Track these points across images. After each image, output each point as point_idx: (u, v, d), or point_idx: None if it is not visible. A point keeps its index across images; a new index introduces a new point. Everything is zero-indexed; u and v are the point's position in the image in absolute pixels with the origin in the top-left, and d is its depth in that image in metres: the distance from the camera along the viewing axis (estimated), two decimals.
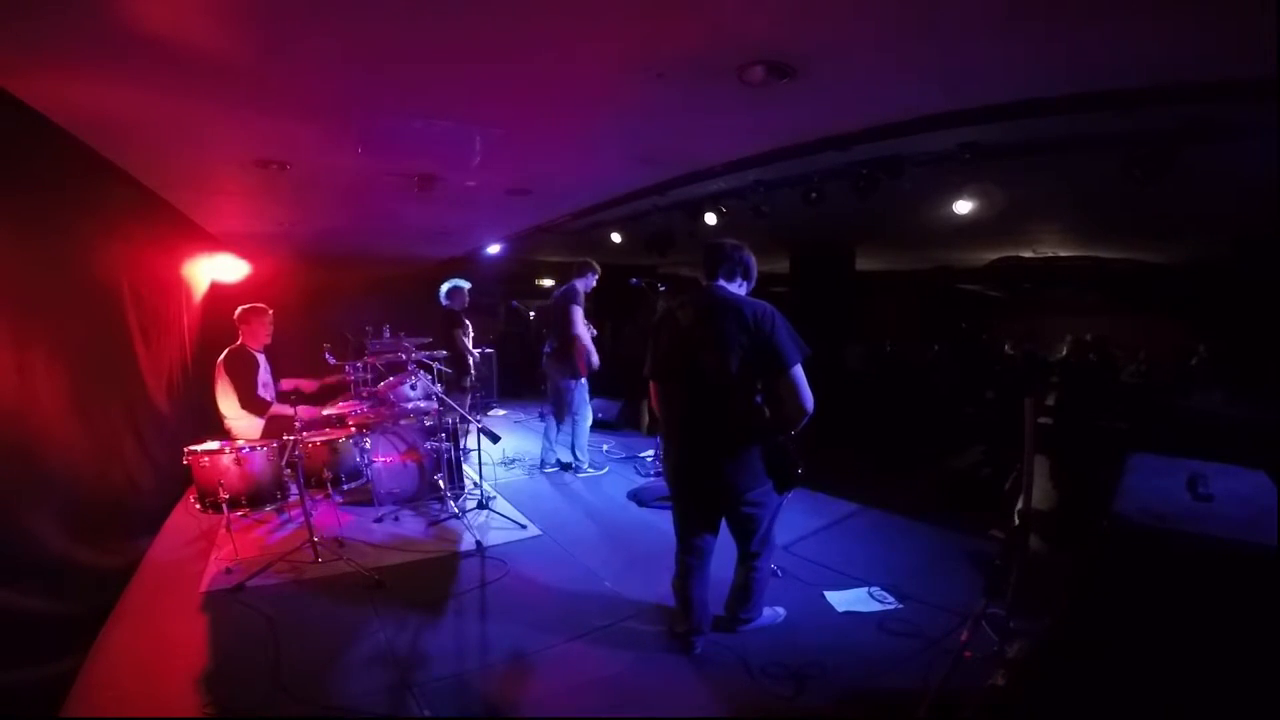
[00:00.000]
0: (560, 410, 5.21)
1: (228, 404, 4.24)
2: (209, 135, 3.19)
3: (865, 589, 3.16)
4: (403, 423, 4.51)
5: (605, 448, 6.01)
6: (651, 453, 5.57)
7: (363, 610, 2.95)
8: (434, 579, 3.34)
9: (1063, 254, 7.71)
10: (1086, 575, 1.84)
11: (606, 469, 5.41)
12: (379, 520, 4.09)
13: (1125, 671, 1.57)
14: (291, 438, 3.50)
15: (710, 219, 5.03)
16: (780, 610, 2.90)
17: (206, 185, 4.36)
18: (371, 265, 9.80)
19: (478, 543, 3.73)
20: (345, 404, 4.59)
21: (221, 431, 4.23)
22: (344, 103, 2.83)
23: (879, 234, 7.20)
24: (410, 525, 4.07)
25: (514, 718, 2.30)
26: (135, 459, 3.59)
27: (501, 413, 8.27)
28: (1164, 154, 3.08)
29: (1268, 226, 4.73)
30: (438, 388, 4.55)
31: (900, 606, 3.01)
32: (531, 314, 11.26)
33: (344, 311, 7.29)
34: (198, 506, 3.73)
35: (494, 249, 8.11)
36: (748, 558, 2.63)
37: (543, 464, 5.43)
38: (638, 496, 4.60)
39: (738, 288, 2.52)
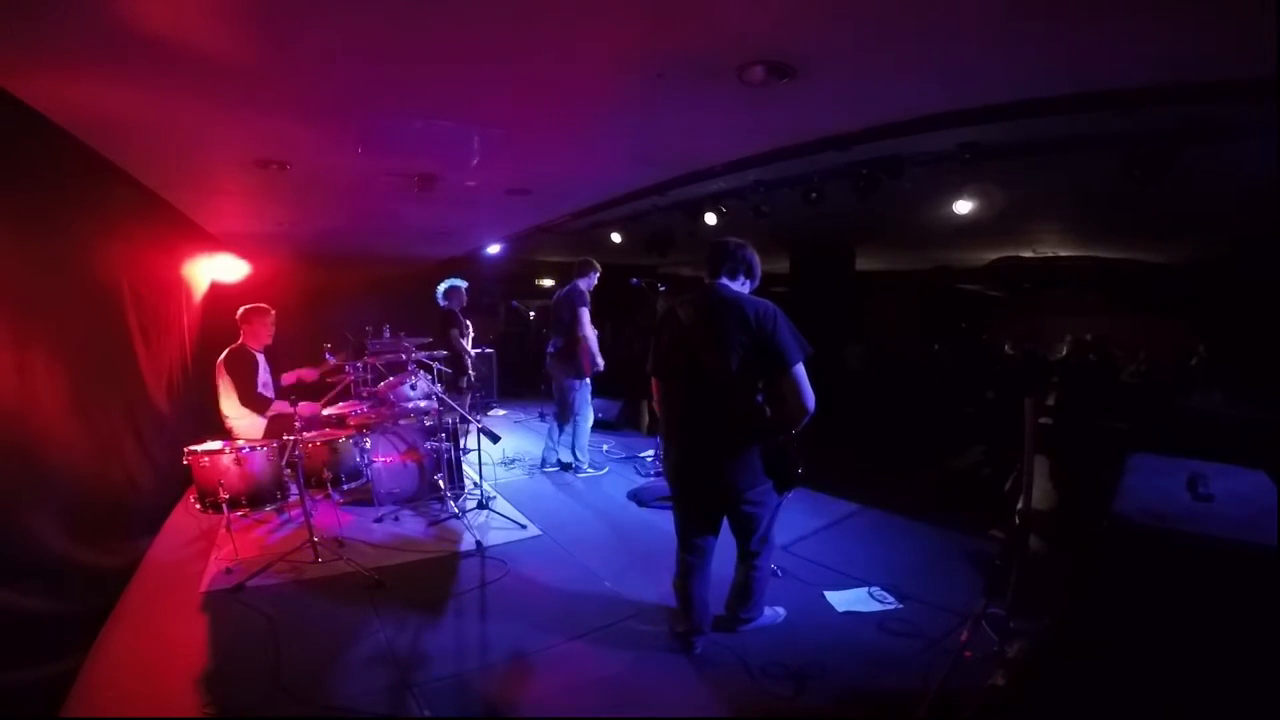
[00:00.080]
0: (564, 411, 5.21)
1: (228, 403, 4.25)
2: (209, 135, 3.19)
3: (865, 589, 3.16)
4: (403, 423, 4.51)
5: (605, 448, 6.01)
6: (651, 453, 5.57)
7: (363, 610, 2.95)
8: (434, 579, 3.34)
9: (1063, 254, 7.71)
10: (1086, 575, 1.84)
11: (606, 469, 5.41)
12: (379, 520, 4.09)
13: (1125, 671, 1.57)
14: (291, 438, 3.50)
15: (710, 219, 5.03)
16: (780, 610, 2.90)
17: (206, 185, 4.36)
18: (371, 265, 9.80)
19: (478, 543, 3.74)
20: (345, 404, 4.59)
21: (222, 431, 4.23)
22: (344, 103, 2.83)
23: (879, 234, 7.20)
24: (410, 525, 4.07)
25: (514, 718, 2.30)
26: (135, 459, 3.59)
27: (501, 413, 8.27)
28: (1164, 154, 3.08)
29: (1268, 226, 4.73)
30: (438, 387, 4.55)
31: (900, 606, 3.01)
32: (531, 314, 11.26)
33: (344, 311, 7.29)
34: (198, 506, 3.73)
35: (494, 249, 8.11)
36: (748, 557, 2.63)
37: (544, 463, 5.44)
38: (638, 496, 4.59)
39: (741, 286, 2.52)
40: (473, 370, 6.14)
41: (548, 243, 7.60)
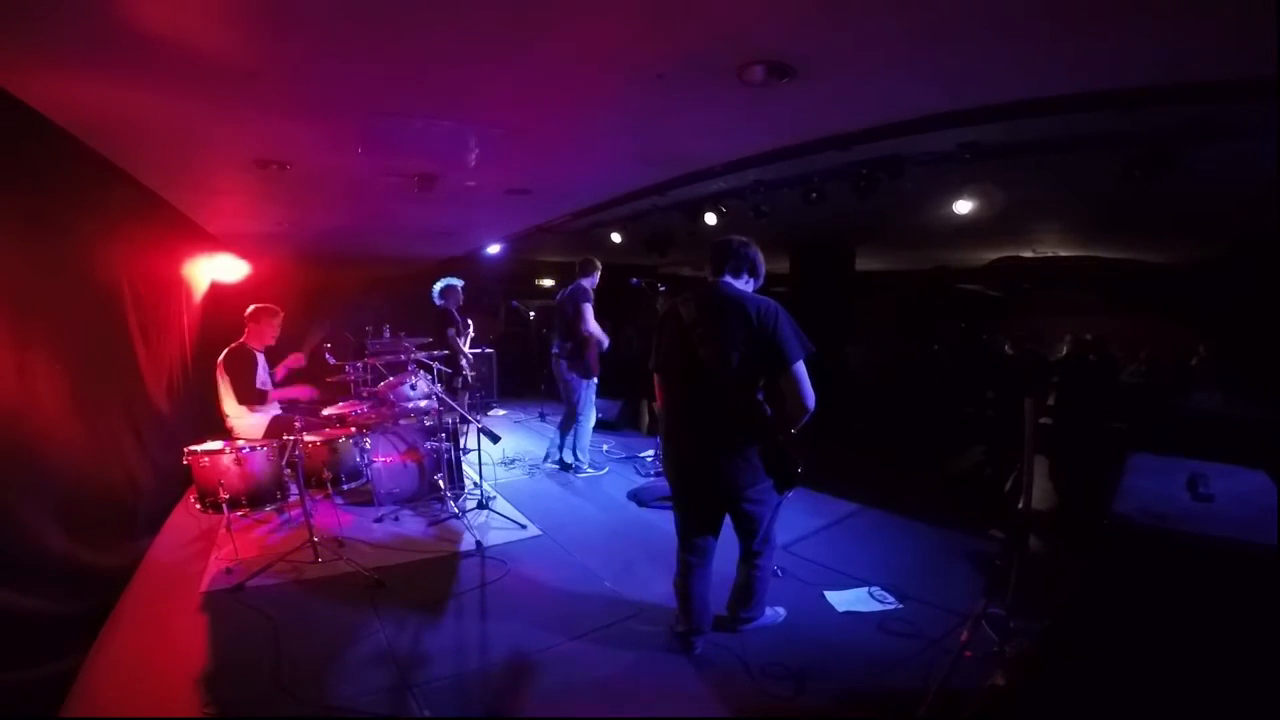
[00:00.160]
0: (572, 412, 5.21)
1: (228, 402, 4.25)
2: (209, 135, 3.19)
3: (865, 589, 3.16)
4: (403, 423, 4.51)
5: (605, 448, 6.01)
6: (651, 453, 5.57)
7: (363, 610, 2.95)
8: (434, 579, 3.34)
9: (1063, 254, 7.71)
10: (1086, 575, 1.84)
11: (606, 469, 5.41)
12: (379, 520, 4.09)
13: (1125, 671, 1.57)
14: (291, 438, 3.51)
15: (710, 219, 5.03)
16: (780, 610, 2.90)
17: (206, 185, 4.36)
18: (371, 265, 9.81)
19: (478, 543, 3.74)
20: (345, 404, 4.59)
21: (223, 431, 4.23)
22: (344, 103, 2.83)
23: (879, 234, 7.19)
24: (410, 525, 4.07)
25: (514, 718, 2.30)
26: (135, 459, 3.59)
27: (501, 413, 8.27)
28: (1164, 154, 3.08)
29: (1268, 226, 4.73)
30: (438, 387, 4.55)
31: (900, 606, 3.01)
32: (531, 314, 11.26)
33: (344, 311, 7.30)
34: (198, 506, 3.73)
35: (494, 249, 8.11)
36: (750, 556, 2.63)
37: (546, 457, 5.46)
38: (638, 496, 4.59)
39: (744, 284, 2.52)
40: (470, 370, 6.12)
41: (548, 243, 7.60)
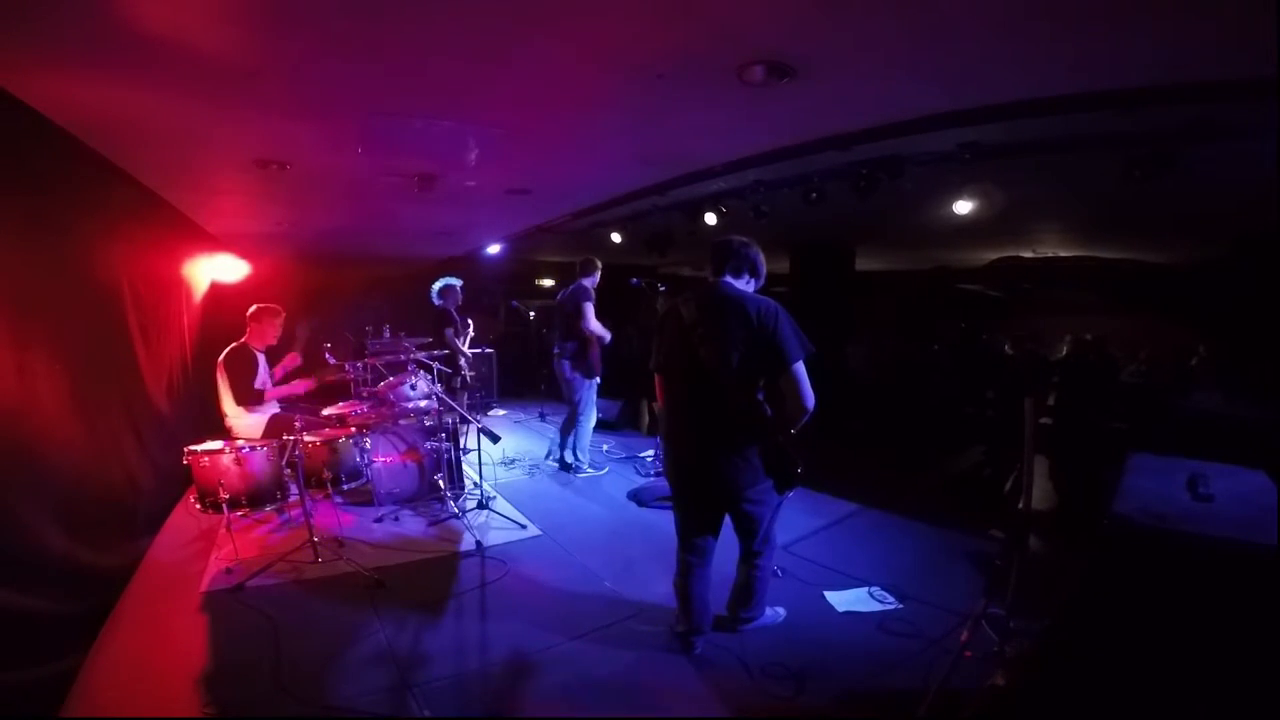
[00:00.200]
0: (573, 410, 5.21)
1: (228, 402, 4.25)
2: (209, 135, 3.19)
3: (865, 589, 3.16)
4: (403, 423, 4.51)
5: (605, 448, 6.01)
6: (651, 453, 5.57)
7: (363, 610, 2.95)
8: (434, 579, 3.34)
9: (1063, 254, 7.71)
10: (1086, 575, 1.84)
11: (606, 469, 5.41)
12: (379, 520, 4.09)
13: (1125, 671, 1.57)
14: (291, 438, 3.51)
15: (710, 219, 5.03)
16: (780, 610, 2.90)
17: (206, 185, 4.36)
18: (371, 265, 9.80)
19: (478, 543, 3.74)
20: (345, 404, 4.59)
21: (223, 431, 4.24)
22: (344, 103, 2.83)
23: (879, 234, 7.19)
24: (410, 525, 4.07)
25: (514, 718, 2.30)
26: (135, 459, 3.59)
27: (501, 413, 8.27)
28: (1164, 154, 3.08)
29: (1268, 226, 4.73)
30: (438, 387, 4.55)
31: (900, 606, 3.01)
32: (531, 314, 11.26)
33: (344, 311, 7.30)
34: (198, 506, 3.73)
35: (494, 249, 8.11)
36: (750, 556, 2.63)
37: (548, 454, 5.48)
38: (638, 496, 4.59)
39: (745, 285, 2.52)
40: (468, 370, 6.11)
41: (548, 243, 7.61)
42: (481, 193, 4.86)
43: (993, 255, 8.32)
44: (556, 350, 5.16)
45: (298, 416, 3.90)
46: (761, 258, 2.55)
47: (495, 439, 3.55)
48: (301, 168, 3.89)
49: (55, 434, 2.58)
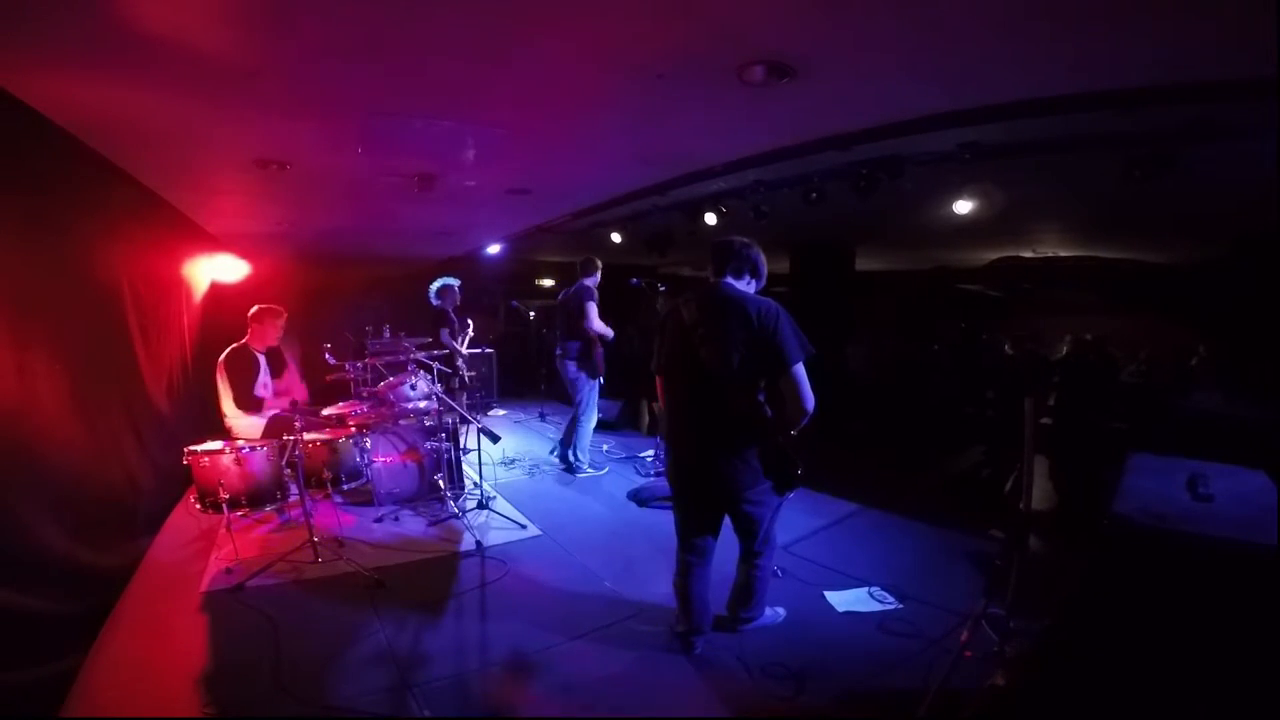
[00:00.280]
0: (575, 408, 5.22)
1: (227, 403, 4.25)
2: (209, 135, 3.19)
3: (865, 589, 3.16)
4: (403, 423, 4.51)
5: (605, 448, 6.01)
6: (651, 453, 5.57)
7: (363, 610, 2.95)
8: (434, 579, 3.34)
9: (1063, 254, 7.71)
10: (1087, 575, 1.84)
11: (606, 469, 5.41)
12: (379, 520, 4.09)
13: (1125, 671, 1.57)
14: (291, 438, 3.50)
15: (710, 219, 5.03)
16: (780, 610, 2.90)
17: (206, 185, 4.36)
18: (371, 265, 9.80)
19: (478, 543, 3.73)
20: (345, 404, 4.59)
21: (222, 431, 4.23)
22: (344, 102, 2.83)
23: (879, 234, 7.19)
24: (410, 525, 4.07)
25: (514, 718, 2.30)
26: (135, 459, 3.59)
27: (501, 413, 8.27)
28: (1164, 154, 3.08)
29: (1268, 226, 4.73)
30: (438, 387, 4.55)
31: (900, 606, 3.01)
32: (531, 314, 11.26)
33: (344, 311, 7.30)
34: (198, 506, 3.73)
35: (494, 249, 8.11)
36: (750, 557, 2.63)
37: (552, 450, 5.49)
38: (638, 496, 4.59)
39: (746, 285, 2.52)
40: (465, 370, 6.08)
41: (548, 243, 7.60)
42: (481, 193, 4.86)
43: (993, 255, 8.31)
44: (559, 350, 5.16)
45: (298, 416, 3.89)
46: (762, 258, 2.55)
47: (495, 439, 3.55)
48: (301, 168, 3.89)
49: (55, 434, 2.58)
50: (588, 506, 4.57)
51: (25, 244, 2.47)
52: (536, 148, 3.65)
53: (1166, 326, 7.74)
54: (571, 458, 5.29)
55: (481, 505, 4.31)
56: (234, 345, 4.33)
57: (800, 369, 2.28)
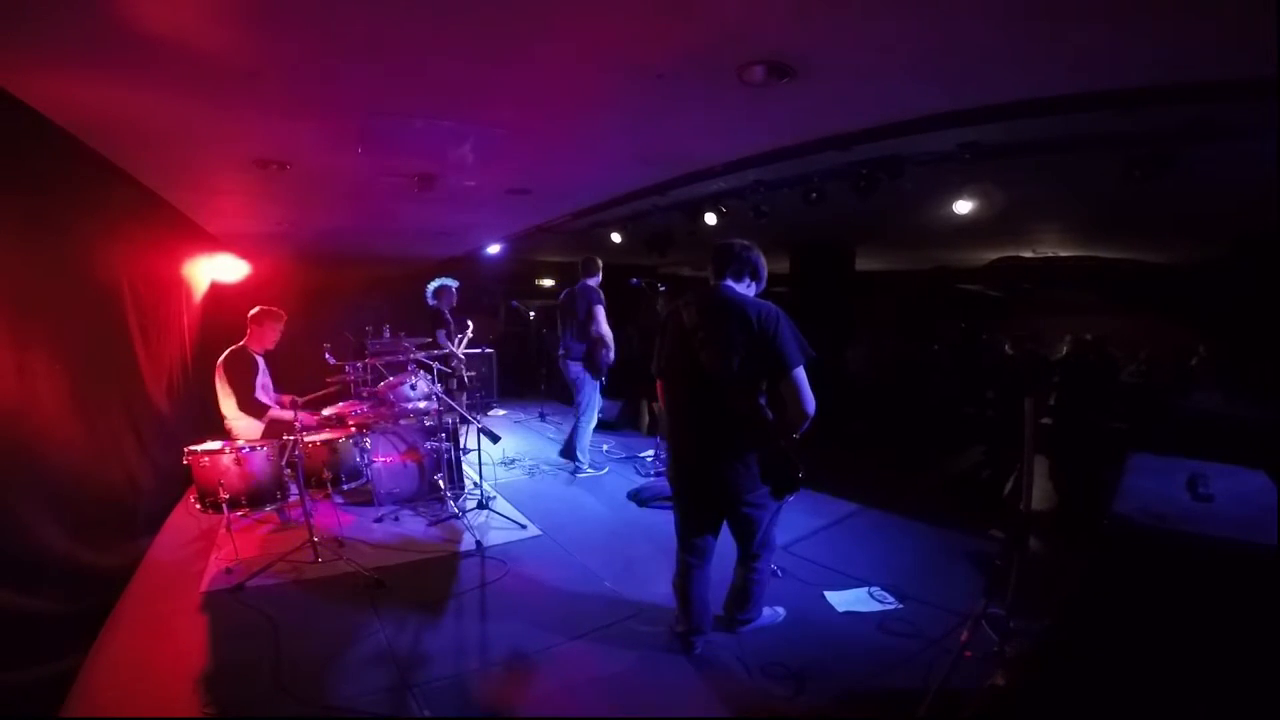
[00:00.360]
0: (576, 408, 5.21)
1: (227, 405, 4.25)
2: (209, 135, 3.19)
3: (865, 589, 3.16)
4: (403, 423, 4.51)
5: (605, 448, 6.01)
6: (651, 453, 5.57)
7: (363, 610, 2.95)
8: (434, 579, 3.34)
9: (1063, 254, 7.71)
10: (1087, 575, 1.84)
11: (606, 469, 5.41)
12: (379, 520, 4.09)
13: (1125, 671, 1.57)
14: (291, 438, 3.50)
15: (710, 219, 5.03)
16: (780, 610, 2.90)
17: (206, 185, 4.36)
18: (371, 265, 9.80)
19: (478, 543, 3.73)
20: (345, 404, 4.59)
21: (222, 431, 4.23)
22: (344, 102, 2.83)
23: (879, 234, 7.19)
24: (410, 525, 4.07)
25: (514, 718, 2.30)
26: (135, 459, 3.59)
27: (501, 413, 8.27)
28: (1164, 154, 3.08)
29: (1268, 226, 4.73)
30: (438, 387, 4.55)
31: (900, 606, 3.01)
32: (531, 314, 11.26)
33: (344, 311, 7.30)
34: (198, 506, 3.73)
35: (494, 249, 8.11)
36: (747, 559, 2.63)
37: (561, 451, 5.47)
38: (638, 496, 4.59)
39: (746, 288, 2.52)
40: (463, 370, 6.04)
41: (548, 243, 7.60)
42: (481, 193, 4.86)
43: (993, 255, 8.31)
44: (561, 350, 5.16)
45: (297, 418, 3.88)
46: (763, 261, 2.55)
47: (495, 439, 3.55)
48: (301, 168, 3.89)
49: (55, 434, 2.58)
50: (588, 506, 4.57)
51: (25, 244, 2.47)
52: (536, 148, 3.65)
53: (1166, 326, 7.74)
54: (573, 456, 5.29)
55: (481, 505, 4.31)
56: (232, 348, 4.33)
57: (801, 372, 2.28)
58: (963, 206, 4.45)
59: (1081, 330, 7.53)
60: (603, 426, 6.28)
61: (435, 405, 4.39)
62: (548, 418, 7.60)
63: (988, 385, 7.23)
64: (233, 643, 2.67)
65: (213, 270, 5.85)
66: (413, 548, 3.71)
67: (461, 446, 4.93)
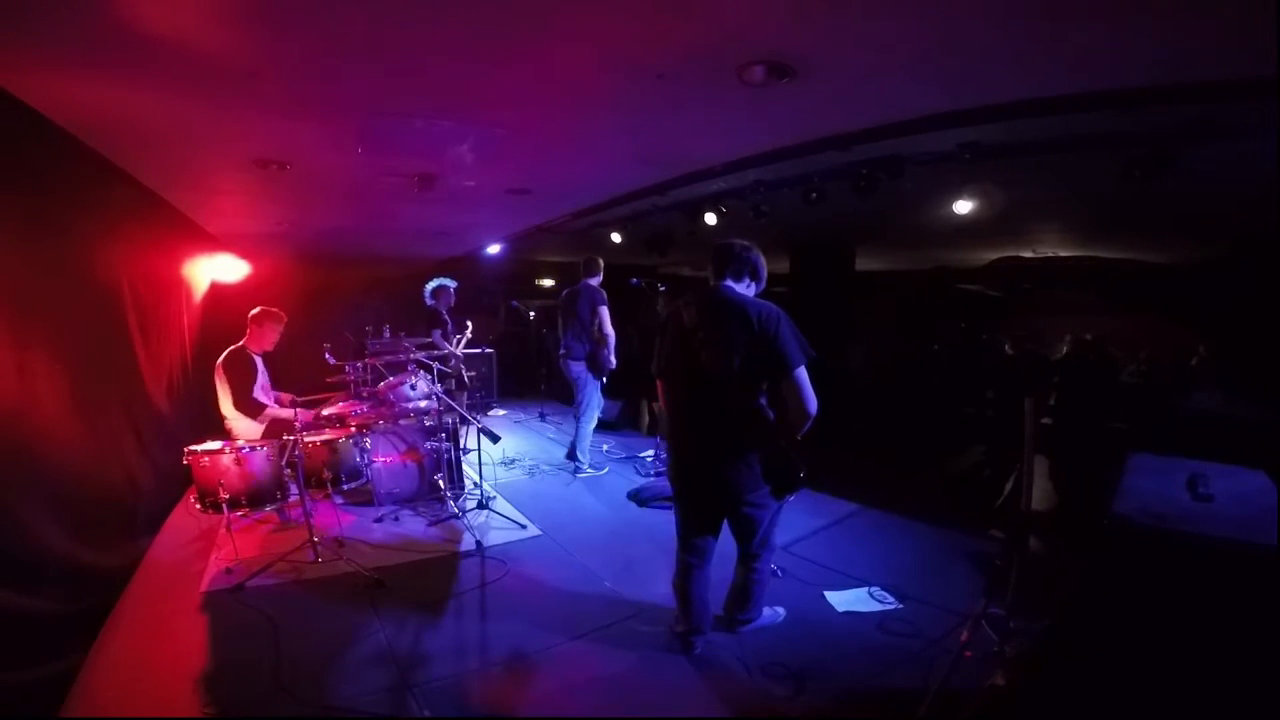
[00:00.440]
0: (578, 407, 5.21)
1: (226, 405, 4.25)
2: (209, 135, 3.19)
3: (865, 589, 3.16)
4: (403, 423, 4.51)
5: (605, 448, 6.01)
6: (651, 453, 5.57)
7: (363, 610, 2.95)
8: (434, 579, 3.34)
9: (1063, 254, 7.71)
10: (1087, 575, 1.84)
11: (606, 469, 5.41)
12: (379, 520, 4.09)
13: (1125, 671, 1.57)
14: (291, 438, 3.50)
15: (710, 219, 5.03)
16: (780, 610, 2.90)
17: (206, 185, 4.36)
18: (371, 265, 9.80)
19: (478, 543, 3.73)
20: (345, 404, 4.59)
21: (222, 432, 4.23)
22: (344, 102, 2.83)
23: (879, 234, 7.19)
24: (410, 525, 4.08)
25: (514, 718, 2.30)
26: (135, 459, 3.59)
27: (501, 413, 8.27)
28: (1164, 154, 3.07)
29: (1268, 226, 4.73)
30: (438, 387, 4.55)
31: (900, 606, 3.01)
32: (531, 314, 11.26)
33: (344, 311, 7.30)
34: (198, 506, 3.73)
35: (494, 249, 8.11)
36: (747, 559, 2.63)
37: (568, 454, 5.47)
38: (638, 496, 4.59)
39: (746, 288, 2.52)
40: (461, 369, 6.03)
41: (548, 243, 7.60)
42: (481, 193, 4.86)
43: (993, 255, 8.31)
44: (563, 350, 5.16)
45: (297, 417, 3.88)
46: (762, 261, 2.55)
47: (495, 439, 3.55)
48: (301, 168, 3.89)
49: (55, 434, 2.58)
50: (588, 506, 4.57)
51: (25, 244, 2.47)
52: (536, 148, 3.65)
53: (1166, 326, 7.74)
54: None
55: (481, 505, 4.31)
56: (231, 348, 4.33)
57: (802, 372, 2.28)
58: (963, 206, 4.45)
59: (1081, 330, 7.53)
60: (603, 426, 6.28)
61: (435, 405, 4.39)
62: (548, 418, 7.60)
63: (988, 385, 7.23)
64: (233, 643, 2.67)
65: (213, 270, 5.85)
66: (413, 548, 3.71)
67: (461, 446, 4.94)
